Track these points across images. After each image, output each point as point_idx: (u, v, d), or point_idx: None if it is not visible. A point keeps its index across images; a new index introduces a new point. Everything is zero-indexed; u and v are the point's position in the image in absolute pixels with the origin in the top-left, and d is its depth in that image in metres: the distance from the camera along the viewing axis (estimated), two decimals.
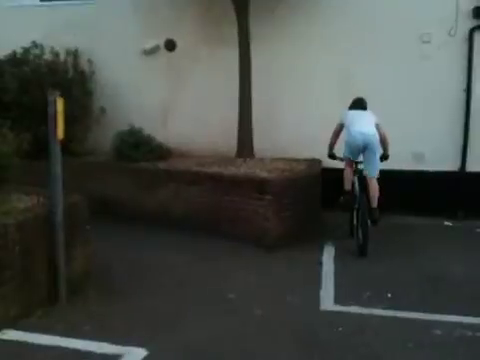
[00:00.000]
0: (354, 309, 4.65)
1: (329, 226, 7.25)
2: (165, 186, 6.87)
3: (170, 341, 3.95)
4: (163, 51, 8.38)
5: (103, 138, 8.01)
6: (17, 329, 3.93)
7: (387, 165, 7.85)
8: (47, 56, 8.23)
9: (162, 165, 7.11)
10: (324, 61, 7.97)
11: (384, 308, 4.67)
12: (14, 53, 8.03)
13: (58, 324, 4.08)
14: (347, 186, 6.55)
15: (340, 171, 7.90)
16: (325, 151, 7.80)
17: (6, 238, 3.95)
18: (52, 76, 7.92)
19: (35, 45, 8.13)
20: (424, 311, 4.58)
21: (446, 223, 7.65)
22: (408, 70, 7.75)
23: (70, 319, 4.20)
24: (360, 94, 7.84)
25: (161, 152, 7.58)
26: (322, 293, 5.00)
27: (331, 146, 6.79)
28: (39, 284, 4.33)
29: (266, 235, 6.24)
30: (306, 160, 7.73)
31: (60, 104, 4.37)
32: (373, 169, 6.36)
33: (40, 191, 4.99)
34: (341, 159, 6.64)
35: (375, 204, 6.31)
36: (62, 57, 8.37)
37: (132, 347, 3.79)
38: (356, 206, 6.36)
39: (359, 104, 6.72)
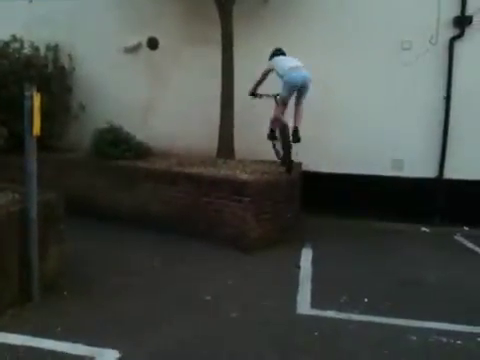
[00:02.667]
0: (331, 314, 4.63)
1: (308, 229, 7.27)
2: (143, 185, 6.79)
3: (143, 343, 3.89)
4: (145, 49, 8.30)
5: (82, 135, 7.92)
6: None
7: (367, 170, 7.97)
8: (27, 50, 8.07)
9: (141, 164, 7.01)
10: (304, 64, 7.95)
11: (361, 313, 4.66)
12: None
13: (30, 324, 3.99)
14: (274, 126, 7.08)
15: (321, 175, 8.03)
16: (306, 153, 7.88)
17: None
18: (31, 71, 7.77)
19: (14, 39, 7.97)
20: (400, 317, 4.58)
21: (423, 229, 7.72)
22: (388, 76, 7.81)
23: (43, 319, 4.11)
24: (340, 99, 7.94)
25: (141, 150, 7.49)
26: (299, 297, 4.97)
27: (256, 87, 7.24)
28: (11, 283, 4.23)
29: (244, 237, 6.20)
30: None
31: (37, 100, 4.26)
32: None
33: (15, 187, 4.88)
34: (260, 96, 7.20)
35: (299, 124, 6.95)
36: (42, 52, 8.21)
37: (105, 349, 3.72)
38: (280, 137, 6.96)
39: (280, 51, 7.21)
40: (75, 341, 3.78)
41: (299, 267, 5.82)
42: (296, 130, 6.85)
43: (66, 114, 8.22)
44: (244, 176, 6.43)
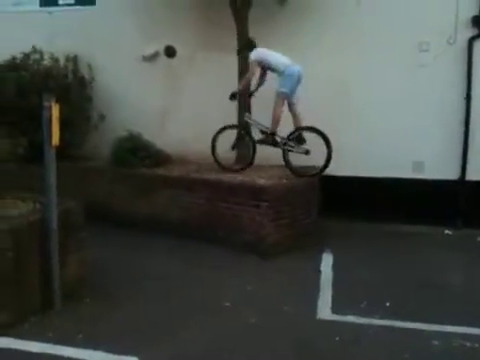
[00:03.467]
0: (351, 318, 4.58)
1: (329, 233, 7.19)
2: (162, 192, 6.83)
3: (162, 349, 3.90)
4: (163, 57, 8.37)
5: (102, 143, 7.98)
6: (8, 336, 3.88)
7: (387, 173, 7.89)
8: (47, 61, 8.20)
9: (159, 171, 7.06)
10: (321, 69, 7.90)
11: (382, 318, 4.61)
12: (13, 58, 7.99)
13: (51, 331, 4.03)
14: (274, 128, 6.84)
15: (340, 179, 7.97)
16: (324, 157, 7.84)
17: None
18: (50, 82, 7.89)
19: (35, 50, 8.11)
20: (423, 321, 4.51)
21: (446, 232, 7.60)
22: (406, 78, 7.72)
23: (63, 326, 4.15)
24: (358, 102, 7.89)
25: (160, 158, 7.53)
26: (320, 302, 4.93)
27: (246, 85, 7.03)
28: (33, 291, 4.28)
29: (263, 243, 6.19)
30: (304, 167, 7.66)
31: (55, 110, 4.32)
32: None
33: (36, 197, 4.95)
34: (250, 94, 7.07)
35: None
36: (62, 62, 8.34)
37: (125, 356, 3.74)
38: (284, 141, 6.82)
39: (254, 43, 7.12)
40: (95, 348, 3.81)
41: (320, 271, 5.78)
42: (301, 131, 6.80)
43: (86, 123, 8.31)
44: (262, 181, 6.42)
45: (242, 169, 7.06)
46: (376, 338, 4.24)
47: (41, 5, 8.77)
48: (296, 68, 6.73)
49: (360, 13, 7.81)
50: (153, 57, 8.39)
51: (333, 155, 7.80)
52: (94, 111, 8.44)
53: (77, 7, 8.64)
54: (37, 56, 8.11)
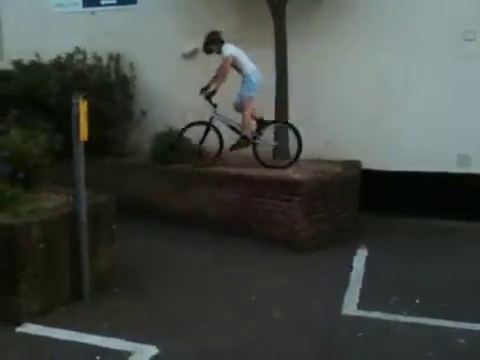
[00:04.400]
0: (377, 314, 4.52)
1: (366, 229, 7.06)
2: (198, 187, 6.92)
3: (183, 341, 3.99)
4: (202, 54, 8.44)
5: (143, 139, 8.13)
6: (38, 323, 4.08)
7: (431, 167, 7.68)
8: (90, 61, 8.46)
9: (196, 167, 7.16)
10: (363, 61, 7.79)
11: (410, 314, 4.52)
12: (58, 58, 8.29)
13: (78, 320, 4.20)
14: (248, 131, 6.96)
15: (382, 173, 7.83)
16: (365, 152, 7.74)
17: (29, 236, 4.11)
18: (94, 80, 8.14)
19: (78, 50, 8.38)
20: (452, 319, 4.41)
21: None
22: (451, 69, 7.47)
23: (91, 316, 4.32)
24: (400, 95, 7.71)
25: (198, 153, 7.61)
26: (347, 297, 4.89)
27: (218, 83, 6.93)
28: (63, 281, 4.47)
29: (296, 237, 6.18)
30: (344, 162, 7.59)
31: (83, 107, 4.47)
32: None
33: (70, 191, 5.12)
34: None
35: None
36: (104, 61, 8.58)
37: (145, 345, 3.85)
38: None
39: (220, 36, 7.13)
40: (118, 337, 3.94)
41: (351, 267, 5.72)
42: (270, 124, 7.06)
43: (128, 120, 8.51)
44: (295, 176, 6.40)
45: (209, 165, 7.09)
46: (401, 335, 4.17)
47: (84, 6, 9.02)
48: (259, 73, 6.96)
49: (401, 4, 7.61)
50: (192, 54, 8.48)
51: (377, 149, 7.75)
52: (136, 108, 8.62)
53: (119, 6, 8.83)
54: (80, 56, 8.37)
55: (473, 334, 4.12)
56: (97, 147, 7.83)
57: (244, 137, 7.01)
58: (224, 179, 6.76)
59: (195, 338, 4.04)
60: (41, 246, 4.19)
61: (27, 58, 8.36)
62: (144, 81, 8.72)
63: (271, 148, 7.27)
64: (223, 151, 7.25)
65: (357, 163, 7.73)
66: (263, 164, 6.96)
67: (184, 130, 7.21)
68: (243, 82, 6.99)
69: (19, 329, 3.99)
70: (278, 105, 7.67)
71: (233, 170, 6.85)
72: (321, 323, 4.37)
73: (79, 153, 4.53)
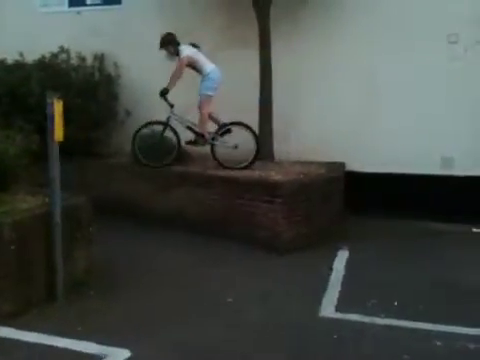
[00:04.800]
0: (355, 317, 4.49)
1: (350, 231, 7.04)
2: (178, 188, 6.88)
3: (156, 343, 3.94)
4: None
5: (127, 140, 8.08)
6: (9, 326, 4.01)
7: (414, 169, 7.68)
8: (74, 61, 8.40)
9: (178, 168, 7.11)
10: (348, 62, 7.80)
11: (387, 317, 4.49)
12: (42, 58, 8.23)
13: (51, 322, 4.14)
14: (205, 129, 7.16)
15: (366, 175, 7.82)
16: (350, 154, 7.73)
17: (1, 237, 4.05)
18: (78, 80, 8.09)
19: (62, 50, 8.32)
20: (429, 321, 4.37)
21: (474, 230, 7.31)
22: (435, 71, 7.47)
23: (64, 318, 4.26)
24: (386, 96, 7.71)
25: (180, 155, 7.57)
26: (325, 299, 4.86)
27: (174, 83, 7.09)
28: (37, 283, 4.42)
29: (277, 239, 6.15)
30: (328, 163, 7.58)
31: (58, 106, 4.42)
32: None
33: (47, 192, 5.06)
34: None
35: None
36: (89, 61, 8.52)
37: (117, 348, 3.80)
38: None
39: (175, 38, 7.31)
40: (90, 340, 3.88)
41: (331, 269, 5.69)
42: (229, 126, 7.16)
43: (112, 120, 8.46)
44: (276, 177, 6.37)
45: (166, 165, 7.23)
46: (376, 337, 4.14)
47: (70, 5, 8.97)
48: (219, 72, 7.14)
49: (387, 4, 7.61)
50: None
51: (361, 151, 7.74)
52: (120, 108, 8.57)
53: (104, 6, 8.79)
54: (64, 56, 8.32)
55: (450, 336, 4.09)
56: (81, 147, 7.84)
57: (201, 135, 7.16)
58: (204, 180, 6.73)
59: (168, 340, 3.99)
60: (13, 247, 4.13)
61: (13, 58, 8.31)
62: (129, 81, 8.68)
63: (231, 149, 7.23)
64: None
65: (341, 165, 7.72)
66: (221, 165, 7.07)
67: (141, 128, 7.37)
68: (202, 81, 7.14)
69: None
70: (262, 106, 7.67)
71: (212, 171, 6.82)
72: (297, 325, 4.33)
73: (54, 153, 4.48)
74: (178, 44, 7.26)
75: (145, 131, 7.44)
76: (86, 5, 8.88)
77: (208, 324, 4.30)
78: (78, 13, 8.87)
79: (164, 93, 7.14)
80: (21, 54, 8.24)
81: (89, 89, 8.12)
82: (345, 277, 5.47)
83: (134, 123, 8.39)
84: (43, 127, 7.41)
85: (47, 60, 8.23)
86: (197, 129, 7.26)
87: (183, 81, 7.23)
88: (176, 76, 7.10)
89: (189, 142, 7.29)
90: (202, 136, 7.18)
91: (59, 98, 4.49)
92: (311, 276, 5.46)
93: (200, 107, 7.16)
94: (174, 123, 7.35)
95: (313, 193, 6.50)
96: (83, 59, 8.45)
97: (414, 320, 4.41)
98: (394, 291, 5.05)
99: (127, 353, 3.75)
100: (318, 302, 4.78)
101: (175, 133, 7.27)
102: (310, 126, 8.05)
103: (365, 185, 7.72)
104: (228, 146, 7.14)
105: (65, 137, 7.59)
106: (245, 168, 6.94)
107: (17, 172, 5.08)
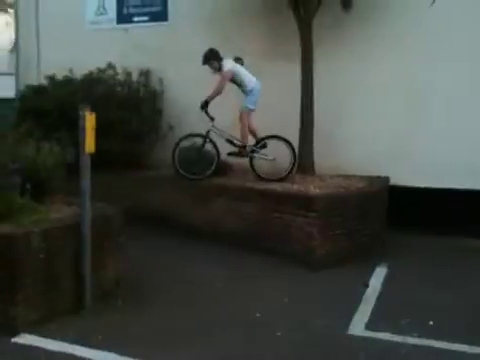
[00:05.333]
0: (385, 335, 4.31)
1: (391, 247, 6.81)
2: (217, 201, 6.88)
3: (175, 357, 3.90)
4: None
5: (169, 153, 8.18)
6: (34, 334, 4.09)
7: (461, 184, 7.34)
8: (120, 76, 8.63)
9: (216, 180, 7.13)
10: (394, 75, 7.61)
11: (420, 336, 4.29)
12: (90, 73, 8.50)
13: (74, 331, 4.18)
14: (246, 141, 7.21)
15: (412, 190, 7.56)
16: (395, 167, 7.50)
17: (29, 246, 4.16)
18: (123, 95, 8.30)
19: (110, 66, 8.57)
20: (464, 342, 4.15)
21: None
22: None
23: (88, 327, 4.29)
24: (434, 108, 7.45)
25: (221, 168, 7.58)
26: (356, 317, 4.70)
27: (214, 97, 7.19)
28: (65, 292, 4.49)
29: (312, 254, 6.02)
30: (371, 177, 7.38)
31: (90, 120, 4.51)
32: None
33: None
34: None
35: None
36: (135, 77, 8.72)
37: (136, 359, 3.79)
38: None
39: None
40: (110, 350, 3.90)
41: (367, 286, 5.50)
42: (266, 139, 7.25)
43: (155, 134, 8.59)
44: (312, 191, 6.25)
45: (205, 177, 7.24)
46: (405, 357, 3.96)
47: (118, 22, 9.24)
48: (259, 85, 7.22)
49: (435, 14, 7.37)
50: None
51: (405, 165, 7.50)
52: (163, 122, 8.70)
53: (151, 23, 9.00)
54: (111, 71, 8.55)
55: None
56: (124, 160, 8.01)
57: (243, 147, 7.20)
58: (241, 193, 6.70)
59: (188, 353, 3.96)
60: (42, 256, 4.23)
61: (63, 74, 8.64)
62: (173, 95, 8.81)
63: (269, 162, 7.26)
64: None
65: (385, 179, 7.49)
66: (259, 177, 7.11)
67: (181, 140, 7.40)
68: (246, 95, 7.22)
69: (15, 339, 4.02)
70: (303, 119, 7.58)
71: (249, 184, 6.80)
72: (323, 342, 4.20)
73: (85, 165, 4.55)
74: (221, 59, 7.32)
75: (185, 144, 7.49)
76: (133, 22, 9.11)
77: (231, 338, 4.24)
78: (126, 30, 9.11)
79: (204, 106, 7.24)
80: (70, 70, 8.55)
81: (133, 104, 8.29)
82: (380, 294, 5.28)
83: (176, 137, 8.54)
84: None
85: (94, 75, 8.48)
86: (237, 142, 7.29)
87: (227, 95, 7.28)
88: (217, 90, 7.20)
89: (231, 153, 7.34)
90: (243, 147, 7.22)
91: (91, 111, 4.55)
92: (345, 292, 5.30)
93: (241, 120, 7.23)
94: (214, 136, 7.37)
95: (351, 207, 6.34)
96: (129, 74, 8.65)
97: (449, 341, 4.19)
98: (431, 310, 4.82)
99: None
100: (348, 319, 4.63)
101: (215, 146, 7.32)
102: (353, 140, 7.90)
103: (408, 200, 7.47)
104: (267, 159, 7.15)
105: (108, 149, 7.86)
106: (282, 180, 6.92)
107: (54, 183, 5.19)
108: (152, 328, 4.37)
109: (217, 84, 7.24)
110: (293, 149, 7.11)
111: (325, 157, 7.67)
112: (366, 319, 4.65)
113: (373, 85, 7.78)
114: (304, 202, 6.09)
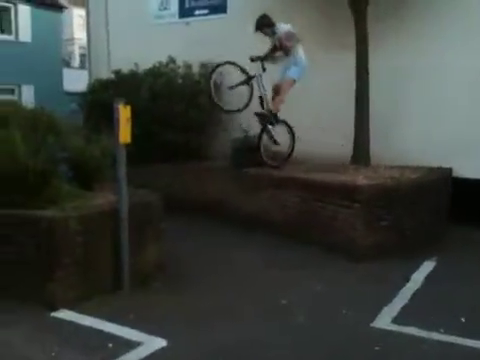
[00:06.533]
0: (411, 330, 4.23)
1: (446, 240, 6.57)
2: (264, 191, 6.97)
3: (196, 337, 4.09)
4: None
5: (227, 145, 8.37)
6: (71, 310, 4.42)
7: None
8: (181, 69, 8.91)
9: (264, 171, 7.21)
10: (453, 60, 7.29)
11: (447, 332, 4.17)
12: (153, 67, 8.86)
13: (108, 309, 4.47)
14: (278, 109, 7.21)
15: (472, 181, 7.23)
16: (457, 158, 7.19)
17: (67, 229, 4.49)
18: (183, 87, 8.57)
19: (171, 59, 8.87)
20: None
21: None
22: None
23: (121, 306, 4.57)
24: None
25: (271, 157, 7.63)
26: (385, 310, 4.63)
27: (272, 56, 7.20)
28: (104, 272, 4.79)
29: (355, 245, 5.95)
30: (431, 168, 7.16)
31: (125, 112, 4.76)
32: None
33: (131, 191, 5.45)
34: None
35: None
36: (195, 70, 8.96)
37: (156, 337, 4.02)
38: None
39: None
40: (135, 327, 4.15)
41: (408, 280, 5.37)
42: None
43: (214, 126, 8.79)
44: (358, 181, 6.17)
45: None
46: (424, 352, 3.90)
47: (180, 16, 9.54)
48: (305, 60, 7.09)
49: None
50: (277, 59, 8.53)
51: (464, 153, 7.19)
52: (222, 115, 8.87)
53: (210, 16, 9.21)
54: (172, 65, 8.85)
55: None
56: (182, 151, 8.31)
57: (274, 114, 7.20)
58: (285, 182, 6.76)
59: (208, 334, 4.13)
60: (79, 239, 4.55)
61: (129, 68, 9.07)
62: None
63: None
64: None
65: (445, 170, 7.23)
66: (262, 159, 7.19)
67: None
68: (293, 63, 7.10)
69: (53, 314, 4.37)
70: (358, 108, 7.46)
71: (294, 174, 6.82)
72: (342, 332, 4.21)
73: (120, 155, 4.81)
74: (273, 25, 7.29)
75: (237, 137, 7.66)
76: (194, 15, 9.36)
77: (252, 323, 4.36)
78: (187, 24, 9.38)
79: (256, 59, 7.25)
80: (136, 64, 8.96)
81: (193, 96, 8.54)
82: (419, 289, 5.16)
83: (235, 129, 8.69)
84: (148, 130, 8.10)
85: (156, 69, 8.82)
86: (271, 106, 7.29)
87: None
88: (281, 49, 7.17)
89: (258, 114, 7.33)
90: (274, 115, 7.23)
91: (126, 103, 4.80)
92: (382, 285, 5.22)
93: (282, 88, 7.18)
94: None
95: (399, 198, 6.18)
96: (189, 67, 8.91)
97: (474, 339, 4.03)
98: (466, 308, 4.64)
99: (163, 343, 3.96)
100: (377, 312, 4.58)
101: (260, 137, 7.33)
102: (413, 130, 7.68)
103: (471, 192, 7.14)
104: (275, 141, 7.29)
105: (166, 141, 8.17)
106: (278, 167, 7.22)
107: (101, 171, 5.52)
108: (180, 310, 4.58)
109: (279, 41, 7.14)
110: (293, 135, 7.30)
111: (384, 148, 7.53)
112: (395, 313, 4.58)
113: (434, 72, 7.50)
114: (348, 192, 6.04)
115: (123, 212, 4.84)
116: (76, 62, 29.36)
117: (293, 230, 6.53)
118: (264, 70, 7.25)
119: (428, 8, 7.43)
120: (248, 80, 7.33)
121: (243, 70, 7.33)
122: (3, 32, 16.93)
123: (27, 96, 16.12)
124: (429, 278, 5.45)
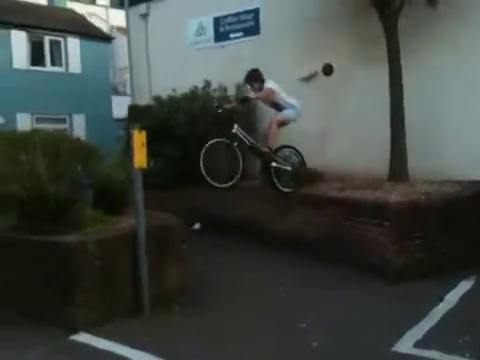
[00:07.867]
0: (432, 354, 4.03)
1: None
2: (297, 210, 6.88)
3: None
4: (320, 76, 8.43)
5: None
6: (91, 333, 4.48)
7: None
8: (217, 91, 9.01)
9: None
10: None
11: (472, 357, 3.91)
12: (189, 92, 9.01)
13: (126, 332, 4.50)
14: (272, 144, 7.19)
15: None
16: None
17: (85, 253, 4.59)
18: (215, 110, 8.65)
19: (206, 83, 9.00)
20: None
21: None
22: None
23: (139, 329, 4.60)
24: None
25: (309, 176, 7.54)
26: (409, 333, 4.42)
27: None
28: (124, 295, 4.85)
29: (387, 265, 5.74)
30: (473, 182, 6.85)
31: (139, 137, 4.83)
32: None
33: (156, 214, 5.53)
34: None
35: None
36: (231, 91, 9.04)
37: None
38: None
39: None
40: (149, 351, 4.16)
41: (441, 300, 5.11)
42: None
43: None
44: (389, 199, 5.96)
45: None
46: None
47: (216, 40, 9.69)
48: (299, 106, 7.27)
49: None
50: (312, 77, 8.49)
51: None
52: (258, 135, 8.86)
53: (245, 38, 9.30)
54: (208, 88, 8.97)
55: None
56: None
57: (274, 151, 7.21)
58: (317, 201, 6.64)
59: (220, 357, 4.06)
60: (97, 263, 4.63)
61: (168, 93, 9.28)
62: (267, 109, 8.95)
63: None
64: None
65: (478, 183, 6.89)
66: (274, 185, 7.12)
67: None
68: (290, 108, 7.23)
69: (73, 336, 4.45)
70: (393, 123, 7.29)
71: (324, 193, 6.71)
72: (358, 357, 4.03)
73: (137, 178, 4.89)
74: (263, 81, 7.35)
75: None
76: (230, 39, 9.48)
77: (267, 346, 4.26)
78: (222, 47, 9.51)
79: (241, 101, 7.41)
80: (174, 90, 9.14)
81: (228, 117, 8.57)
82: (451, 310, 4.91)
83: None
84: (187, 154, 8.20)
85: (192, 93, 8.96)
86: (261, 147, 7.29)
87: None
88: (261, 96, 7.31)
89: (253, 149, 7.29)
90: (274, 152, 7.22)
91: (140, 129, 4.88)
92: (412, 306, 5.00)
93: (275, 123, 7.23)
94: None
95: (432, 215, 5.93)
96: (225, 89, 9.00)
97: None
98: None
99: None
100: (401, 334, 4.37)
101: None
102: (453, 144, 7.40)
103: None
104: (285, 168, 7.24)
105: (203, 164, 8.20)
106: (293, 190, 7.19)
107: (127, 196, 5.61)
108: (199, 333, 4.55)
109: (260, 94, 7.31)
110: (302, 157, 7.36)
111: (424, 162, 7.31)
112: (420, 336, 4.36)
113: (471, 85, 7.26)
114: (378, 210, 5.85)
115: (141, 235, 4.89)
116: (128, 89, 30.27)
117: (324, 249, 6.39)
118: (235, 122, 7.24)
119: (459, 22, 7.22)
120: (230, 144, 7.14)
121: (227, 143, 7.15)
122: (54, 64, 17.66)
123: (78, 125, 16.87)
124: (464, 298, 5.17)
